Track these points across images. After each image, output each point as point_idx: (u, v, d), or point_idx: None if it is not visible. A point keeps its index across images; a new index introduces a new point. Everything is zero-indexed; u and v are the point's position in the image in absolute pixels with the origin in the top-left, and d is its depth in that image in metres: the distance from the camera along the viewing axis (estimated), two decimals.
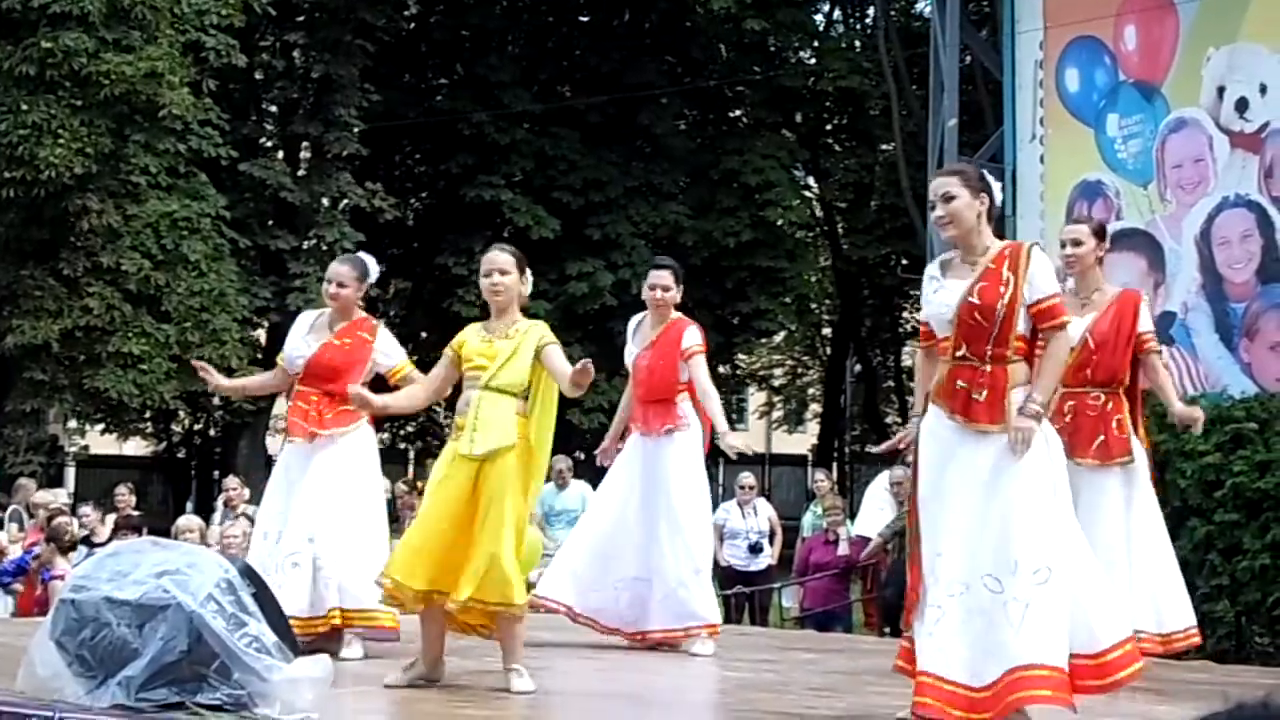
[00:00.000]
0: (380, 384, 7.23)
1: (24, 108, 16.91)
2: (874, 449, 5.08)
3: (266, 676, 4.97)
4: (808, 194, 26.80)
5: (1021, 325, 5.07)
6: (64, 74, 17.06)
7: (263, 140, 22.46)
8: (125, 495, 13.60)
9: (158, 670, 4.91)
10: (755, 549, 13.42)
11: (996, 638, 4.87)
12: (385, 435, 26.53)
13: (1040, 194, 13.11)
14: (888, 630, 11.66)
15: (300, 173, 21.65)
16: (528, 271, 6.34)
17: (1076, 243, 6.76)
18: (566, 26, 25.37)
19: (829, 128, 27.38)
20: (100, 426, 20.60)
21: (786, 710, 6.00)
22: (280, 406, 16.83)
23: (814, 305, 28.46)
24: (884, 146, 24.84)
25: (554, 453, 7.04)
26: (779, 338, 31.63)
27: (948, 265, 5.24)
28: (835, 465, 29.56)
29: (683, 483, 7.68)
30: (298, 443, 7.13)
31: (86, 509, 13.00)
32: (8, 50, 17.19)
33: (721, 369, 26.75)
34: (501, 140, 22.28)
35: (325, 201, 21.37)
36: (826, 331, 32.21)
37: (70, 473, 24.27)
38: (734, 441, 7.59)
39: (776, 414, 38.02)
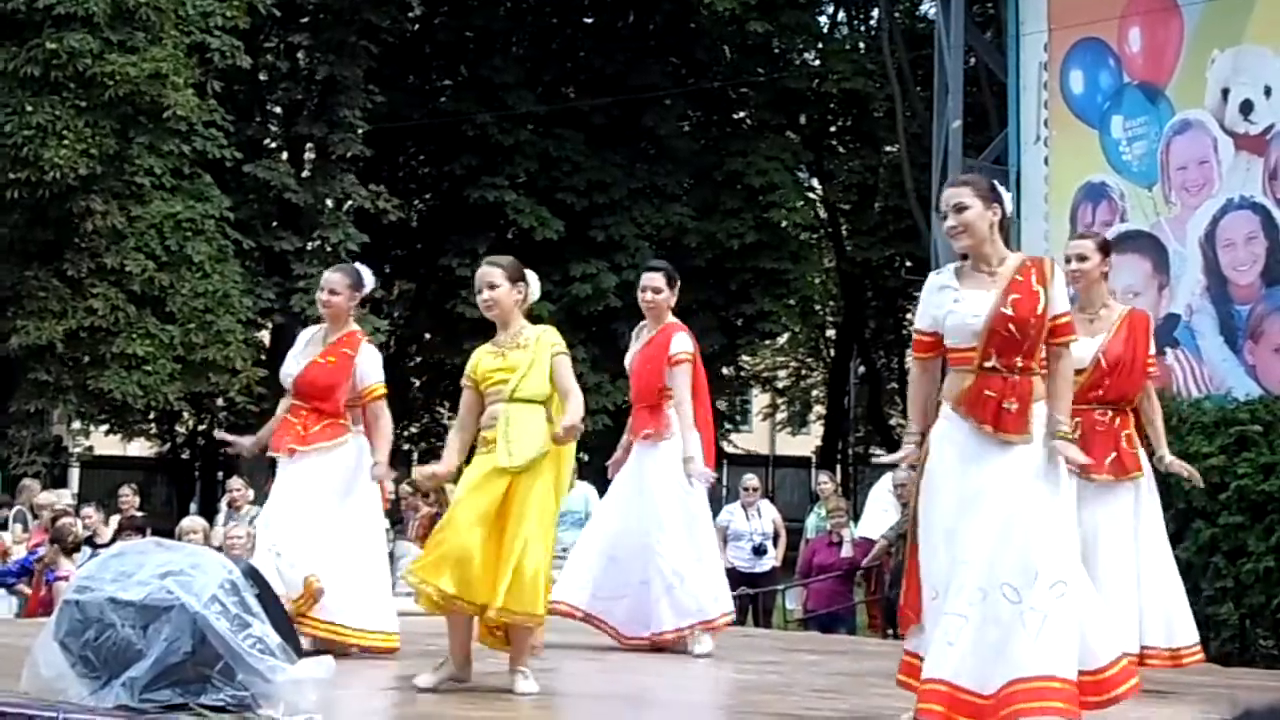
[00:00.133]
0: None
1: (29, 109, 16.93)
2: (882, 458, 5.01)
3: (270, 678, 4.97)
4: (812, 196, 26.78)
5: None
6: (68, 75, 17.07)
7: (267, 141, 22.47)
8: (129, 496, 13.61)
9: (161, 671, 4.92)
10: (759, 551, 13.43)
11: (1009, 647, 4.86)
12: None
13: (1044, 196, 13.10)
14: (891, 632, 11.66)
15: (304, 174, 21.65)
16: (528, 276, 6.29)
17: (1082, 258, 6.76)
18: (571, 28, 25.37)
19: (833, 129, 27.36)
20: (104, 427, 20.63)
21: (790, 712, 6.01)
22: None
23: (818, 307, 28.42)
24: (888, 148, 24.82)
25: None
26: (783, 339, 31.61)
27: (961, 274, 5.19)
28: (839, 467, 29.51)
29: (666, 492, 7.61)
30: (280, 457, 7.21)
31: (89, 510, 13.01)
32: (12, 51, 17.20)
33: (725, 370, 26.77)
34: (505, 141, 22.29)
35: (329, 203, 21.37)
36: (830, 333, 32.17)
37: (74, 473, 24.26)
38: (694, 470, 7.51)
39: (780, 416, 38.01)
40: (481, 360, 6.19)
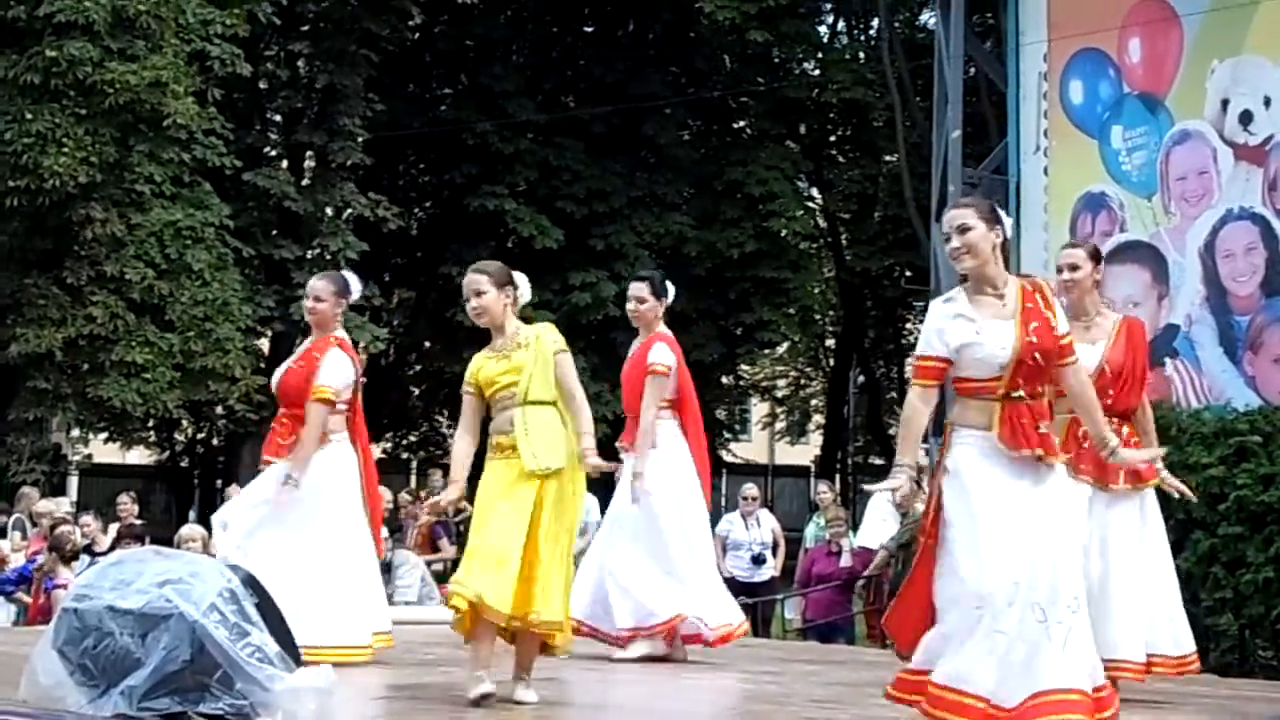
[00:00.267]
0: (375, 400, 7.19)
1: (28, 116, 16.92)
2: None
3: (269, 686, 4.97)
4: (811, 205, 26.79)
5: None
6: (68, 83, 17.07)
7: (267, 149, 22.48)
8: (128, 504, 13.60)
9: (160, 680, 4.91)
10: (758, 560, 13.42)
11: (1034, 662, 4.89)
12: (388, 445, 26.53)
13: (1044, 206, 13.12)
14: (890, 642, 11.64)
15: (304, 182, 21.66)
16: (516, 279, 6.23)
17: (1074, 267, 6.76)
18: (571, 37, 25.39)
19: (833, 139, 27.37)
20: (103, 435, 20.60)
21: None
22: None
23: (817, 316, 28.43)
24: (888, 158, 24.84)
25: None
26: (782, 349, 31.58)
27: (973, 300, 5.16)
28: (838, 477, 29.51)
29: (643, 504, 7.59)
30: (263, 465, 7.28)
31: (88, 518, 13.00)
32: (13, 59, 17.21)
33: (724, 380, 26.77)
34: (505, 150, 22.30)
35: (329, 211, 21.37)
36: (830, 343, 32.18)
37: (73, 481, 24.25)
38: (639, 486, 7.51)
39: (779, 425, 38.00)
40: (484, 366, 6.12)
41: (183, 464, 26.61)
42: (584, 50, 25.07)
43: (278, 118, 22.87)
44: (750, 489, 14.18)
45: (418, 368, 26.10)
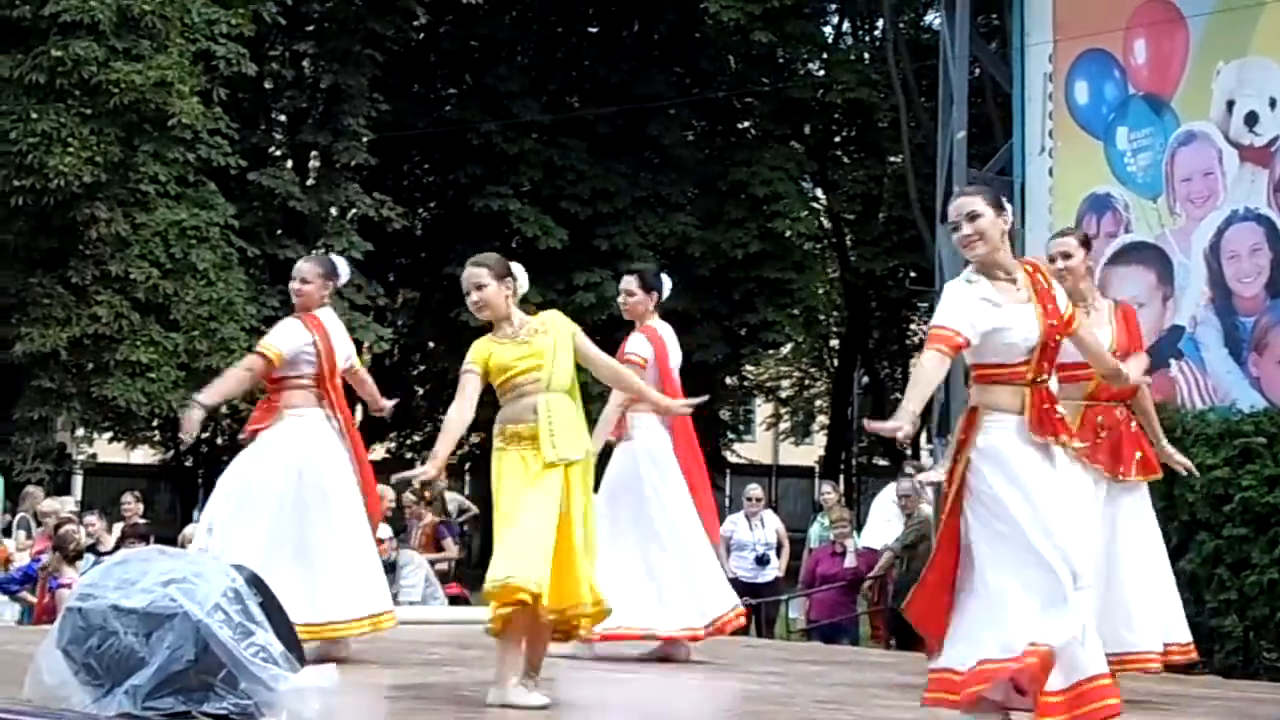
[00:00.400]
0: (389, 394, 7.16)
1: (34, 116, 16.95)
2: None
3: (273, 686, 4.96)
4: (816, 205, 26.80)
5: None
6: (74, 83, 17.10)
7: (272, 149, 22.50)
8: (132, 503, 13.59)
9: (164, 679, 4.91)
10: (762, 561, 13.40)
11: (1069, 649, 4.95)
12: (392, 445, 26.53)
13: (1049, 207, 13.09)
14: (894, 643, 11.64)
15: (309, 182, 21.68)
16: (514, 270, 6.14)
17: (1067, 255, 6.78)
18: (575, 37, 25.40)
19: (837, 139, 27.38)
20: (108, 434, 20.63)
21: None
22: None
23: (822, 317, 28.43)
24: (892, 159, 24.83)
25: None
26: (786, 349, 31.59)
27: (995, 286, 5.14)
28: (842, 477, 29.52)
29: (620, 499, 7.54)
30: None
31: (92, 517, 13.00)
32: (18, 58, 17.24)
33: (729, 380, 26.76)
34: (510, 150, 22.31)
35: (334, 211, 21.39)
36: (834, 343, 32.19)
37: (78, 481, 24.26)
38: (665, 403, 7.35)
39: (784, 426, 38.00)
40: (495, 352, 5.96)
41: (187, 463, 26.59)
42: (589, 51, 25.09)
43: (283, 118, 22.89)
44: (754, 490, 14.17)
45: (422, 368, 26.11)
